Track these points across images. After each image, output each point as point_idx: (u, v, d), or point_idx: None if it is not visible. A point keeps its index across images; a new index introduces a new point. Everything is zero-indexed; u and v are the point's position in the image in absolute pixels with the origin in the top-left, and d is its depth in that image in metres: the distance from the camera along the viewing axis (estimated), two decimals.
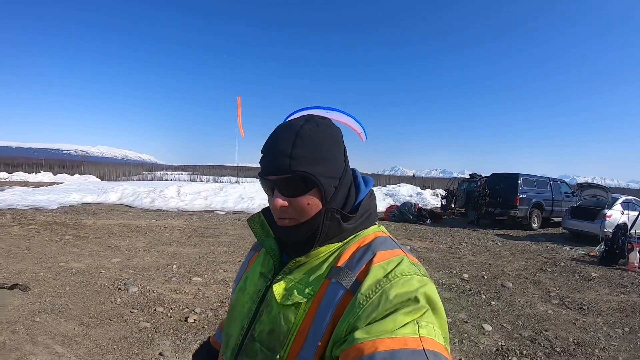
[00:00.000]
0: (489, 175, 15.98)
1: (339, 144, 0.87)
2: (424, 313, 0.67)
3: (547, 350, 4.17)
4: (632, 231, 9.72)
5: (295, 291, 0.77)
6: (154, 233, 9.90)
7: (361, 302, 0.69)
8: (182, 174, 60.01)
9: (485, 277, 7.03)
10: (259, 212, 0.95)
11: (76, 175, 36.65)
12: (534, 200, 14.50)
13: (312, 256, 0.81)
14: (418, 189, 26.91)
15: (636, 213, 11.04)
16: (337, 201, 0.84)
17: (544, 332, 4.64)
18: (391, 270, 0.73)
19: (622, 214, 11.70)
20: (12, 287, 5.29)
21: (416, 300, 0.68)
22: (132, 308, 4.79)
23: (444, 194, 19.38)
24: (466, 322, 4.84)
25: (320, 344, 0.71)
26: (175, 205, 16.58)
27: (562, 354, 4.11)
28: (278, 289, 0.80)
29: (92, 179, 35.44)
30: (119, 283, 5.69)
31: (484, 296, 5.91)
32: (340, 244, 0.82)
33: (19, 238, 8.62)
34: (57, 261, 6.80)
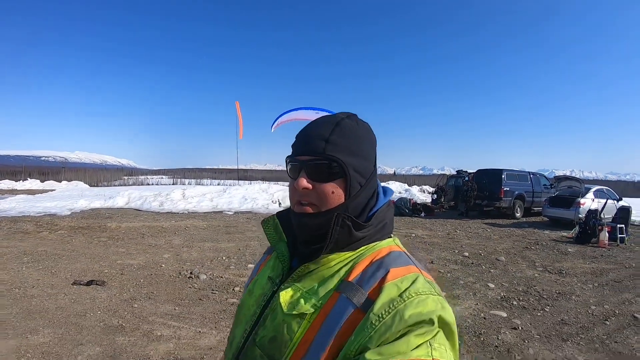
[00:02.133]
0: (475, 171, 17.58)
1: (373, 148, 0.87)
2: (436, 334, 0.66)
3: (537, 298, 5.57)
4: (602, 215, 11.30)
5: (302, 300, 0.76)
6: (182, 232, 10.68)
7: (373, 322, 0.67)
8: (162, 177, 59.62)
9: (482, 254, 8.46)
10: (273, 215, 0.95)
11: (64, 182, 36.61)
12: (516, 192, 16.15)
13: (322, 264, 0.79)
14: (406, 185, 28.49)
15: (608, 201, 12.75)
16: (358, 202, 0.83)
17: (533, 287, 6.06)
18: (405, 289, 0.70)
19: (593, 201, 13.36)
20: (88, 284, 5.78)
21: (430, 322, 0.66)
22: (212, 291, 5.59)
23: (434, 190, 20.89)
24: (475, 282, 6.22)
25: (322, 359, 0.69)
26: (184, 208, 17.35)
27: (547, 299, 5.51)
28: (285, 296, 0.78)
29: (81, 185, 35.66)
30: (185, 273, 6.41)
31: (483, 267, 7.32)
32: (351, 253, 0.80)
33: (56, 242, 8.94)
34: (112, 260, 7.26)
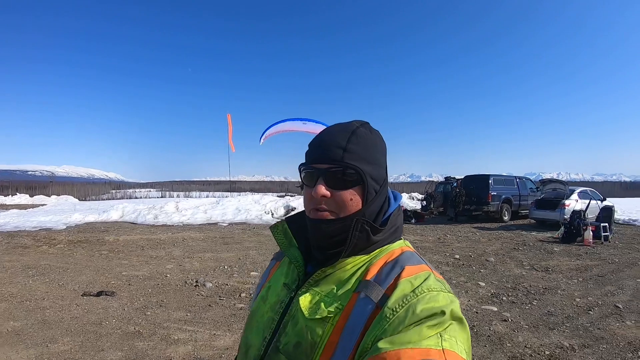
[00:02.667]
0: (463, 177, 18.10)
1: (384, 155, 0.90)
2: (448, 326, 0.67)
3: (525, 293, 5.93)
4: (586, 215, 11.79)
5: (322, 304, 0.77)
6: (180, 244, 10.78)
7: (388, 315, 0.70)
8: (150, 190, 59.45)
9: (472, 256, 8.84)
10: (282, 220, 0.96)
11: (53, 197, 36.42)
12: (503, 196, 16.72)
13: (339, 267, 0.81)
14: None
15: (591, 201, 13.29)
16: (373, 208, 0.86)
17: (521, 284, 6.44)
18: (418, 286, 0.73)
19: (577, 202, 13.90)
20: (98, 294, 5.89)
21: (442, 314, 0.68)
22: (219, 297, 5.79)
23: (423, 196, 21.37)
24: (466, 282, 6.57)
25: (348, 358, 0.70)
26: (179, 220, 17.39)
27: (535, 294, 5.87)
28: (304, 301, 0.79)
29: (71, 199, 35.44)
30: (191, 282, 6.59)
31: (474, 267, 7.69)
32: (367, 257, 0.82)
33: (58, 255, 9.00)
34: (116, 272, 7.36)
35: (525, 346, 4.05)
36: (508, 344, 4.10)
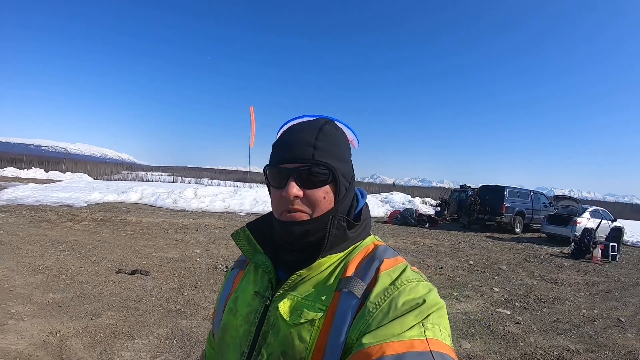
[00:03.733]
0: (479, 186, 18.49)
1: (350, 153, 0.89)
2: (429, 315, 0.67)
3: (536, 301, 6.38)
4: (597, 233, 12.14)
5: (304, 308, 0.75)
6: (203, 230, 11.03)
7: (371, 309, 0.69)
8: (162, 174, 59.21)
9: (486, 263, 9.30)
10: (243, 227, 0.92)
11: (68, 173, 36.68)
12: (517, 208, 17.11)
13: (315, 269, 0.79)
14: (409, 197, 29.38)
15: (602, 221, 13.61)
16: (345, 205, 0.85)
17: (532, 292, 6.88)
18: (397, 277, 0.73)
19: (589, 220, 14.21)
20: (132, 273, 6.07)
21: (422, 303, 0.68)
22: None
23: (438, 202, 21.79)
24: (481, 286, 7.03)
25: (340, 357, 0.69)
26: (197, 206, 17.68)
27: (545, 302, 6.32)
28: (284, 307, 0.76)
29: (85, 177, 35.67)
30: (221, 267, 6.89)
31: (487, 274, 8.14)
32: (342, 254, 0.81)
33: (84, 232, 9.30)
34: (146, 252, 7.61)
35: (536, 346, 4.51)
36: (521, 343, 4.57)
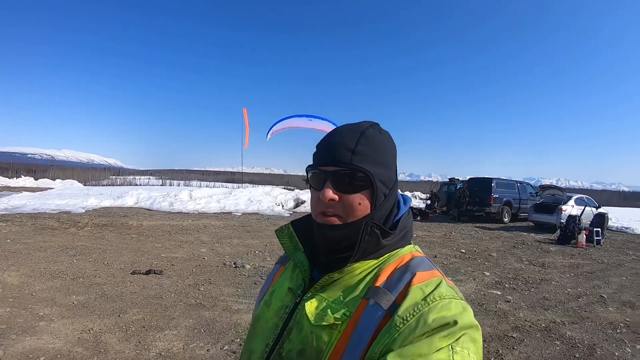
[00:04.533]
0: (467, 179, 19.07)
1: (394, 157, 0.87)
2: (460, 337, 0.65)
3: (524, 282, 6.89)
4: (581, 220, 12.74)
5: (329, 311, 0.74)
6: (204, 231, 11.27)
7: (398, 324, 0.67)
8: (150, 178, 59.10)
9: (476, 251, 9.83)
10: (287, 224, 0.93)
11: (58, 180, 36.48)
12: (505, 199, 17.75)
13: (347, 272, 0.78)
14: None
15: (586, 208, 14.28)
16: (382, 212, 0.83)
17: (521, 275, 7.40)
18: (430, 293, 0.71)
19: (574, 208, 14.86)
20: (147, 273, 6.25)
21: (454, 324, 0.66)
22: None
23: (428, 195, 22.36)
24: (473, 271, 7.53)
25: None
26: (194, 208, 17.77)
27: (532, 283, 6.83)
28: (310, 307, 0.77)
29: (75, 183, 35.55)
30: (229, 264, 7.15)
31: (479, 260, 8.66)
32: (375, 261, 0.80)
33: (89, 238, 9.39)
34: (155, 253, 7.82)
35: (525, 320, 4.98)
36: (511, 318, 5.05)
